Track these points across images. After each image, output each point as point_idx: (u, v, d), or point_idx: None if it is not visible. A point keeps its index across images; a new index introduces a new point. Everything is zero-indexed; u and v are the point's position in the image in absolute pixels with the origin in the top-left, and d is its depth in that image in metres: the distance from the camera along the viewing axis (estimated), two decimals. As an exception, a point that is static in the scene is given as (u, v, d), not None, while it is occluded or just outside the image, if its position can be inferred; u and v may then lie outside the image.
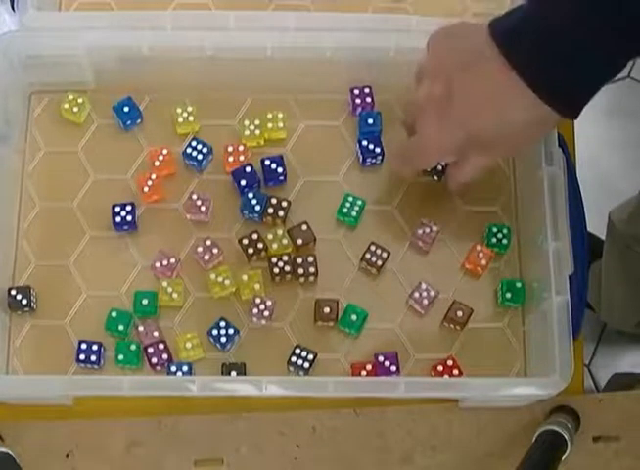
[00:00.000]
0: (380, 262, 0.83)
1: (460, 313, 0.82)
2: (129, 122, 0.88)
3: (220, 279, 0.82)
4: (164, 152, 0.86)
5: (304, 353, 0.80)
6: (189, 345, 0.81)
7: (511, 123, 0.71)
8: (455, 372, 0.80)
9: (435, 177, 0.86)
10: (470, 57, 0.71)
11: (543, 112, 0.70)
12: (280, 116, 0.87)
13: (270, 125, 0.87)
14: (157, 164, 0.86)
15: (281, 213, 0.84)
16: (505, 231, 0.85)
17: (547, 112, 0.70)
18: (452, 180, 0.81)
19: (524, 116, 0.70)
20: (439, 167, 0.85)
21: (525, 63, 0.69)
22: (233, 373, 0.79)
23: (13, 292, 0.82)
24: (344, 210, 0.85)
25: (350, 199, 0.85)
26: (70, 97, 0.88)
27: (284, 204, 0.84)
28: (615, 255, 1.29)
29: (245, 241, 0.83)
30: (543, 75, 0.68)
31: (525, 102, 0.69)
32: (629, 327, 1.40)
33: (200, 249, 0.83)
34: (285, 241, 0.83)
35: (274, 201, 0.84)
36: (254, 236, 0.83)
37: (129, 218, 0.84)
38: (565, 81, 0.68)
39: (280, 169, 0.86)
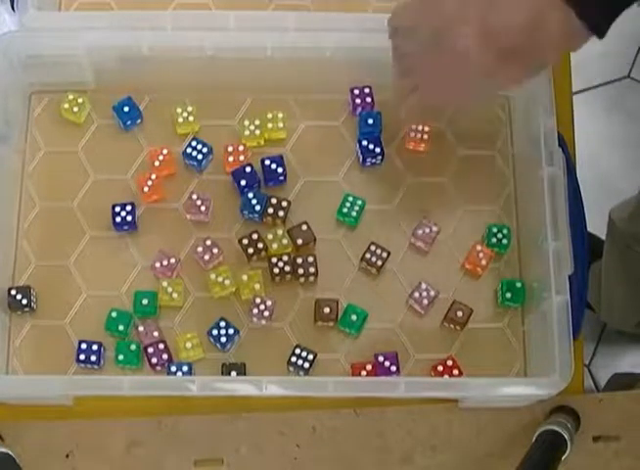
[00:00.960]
0: (380, 262, 0.83)
1: (460, 313, 0.82)
2: (129, 122, 0.88)
3: (220, 279, 0.82)
4: (164, 152, 0.86)
5: (304, 353, 0.80)
6: (189, 345, 0.81)
7: (543, 32, 0.69)
8: (455, 372, 0.80)
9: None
10: None
11: (573, 25, 0.68)
12: (280, 116, 0.87)
13: (270, 125, 0.87)
14: (157, 164, 0.86)
15: (281, 213, 0.84)
16: (505, 231, 0.85)
17: (577, 26, 0.69)
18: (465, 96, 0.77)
19: (556, 27, 0.69)
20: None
21: None
22: (233, 373, 0.79)
23: (13, 292, 0.82)
24: (344, 210, 0.85)
25: (350, 199, 0.85)
26: (70, 97, 0.88)
27: (284, 204, 0.84)
28: (615, 254, 1.29)
29: (245, 241, 0.83)
30: None
31: (559, 15, 0.68)
32: (629, 327, 1.40)
33: (200, 249, 0.83)
34: (285, 241, 0.83)
35: (274, 201, 0.84)
36: (254, 236, 0.83)
37: (129, 218, 0.84)
38: None
39: (280, 169, 0.86)
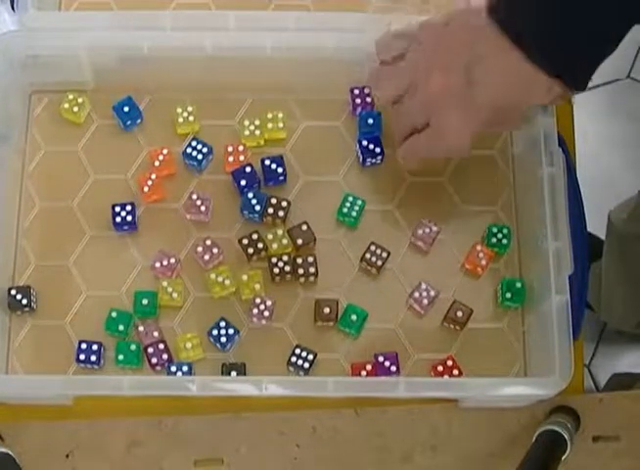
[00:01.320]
0: (380, 262, 0.83)
1: (460, 313, 0.82)
2: (129, 122, 0.88)
3: (220, 279, 0.82)
4: (164, 152, 0.86)
5: (304, 353, 0.80)
6: (189, 345, 0.81)
7: (528, 102, 0.74)
8: (455, 372, 0.80)
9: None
10: (477, 42, 0.72)
11: (553, 86, 0.71)
12: (280, 116, 0.87)
13: (270, 125, 0.87)
14: (157, 164, 0.86)
15: (281, 213, 0.84)
16: (505, 231, 0.85)
17: (559, 90, 0.72)
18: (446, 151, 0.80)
19: (540, 95, 0.73)
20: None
21: (526, 39, 0.70)
22: (233, 373, 0.79)
23: (13, 292, 0.82)
24: (344, 210, 0.85)
25: (350, 199, 0.85)
26: (70, 97, 0.88)
27: (284, 204, 0.84)
28: (615, 255, 1.29)
29: (245, 241, 0.83)
30: (541, 44, 0.70)
31: (537, 78, 0.71)
32: (629, 327, 1.40)
33: (200, 249, 0.83)
34: (285, 241, 0.83)
35: (274, 201, 0.84)
36: (254, 236, 0.83)
37: (129, 218, 0.84)
38: (565, 49, 0.70)
39: (280, 169, 0.86)
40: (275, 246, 0.83)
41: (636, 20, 0.69)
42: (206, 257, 0.83)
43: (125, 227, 0.85)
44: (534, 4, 0.70)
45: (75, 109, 0.88)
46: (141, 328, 0.81)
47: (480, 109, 0.74)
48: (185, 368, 0.79)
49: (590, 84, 0.73)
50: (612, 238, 1.29)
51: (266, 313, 0.81)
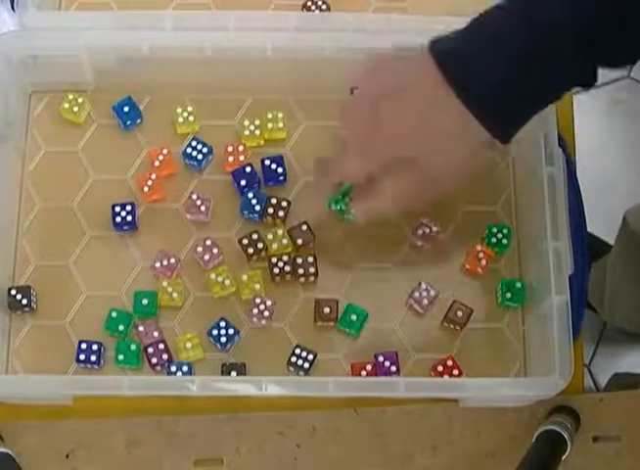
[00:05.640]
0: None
1: (460, 313, 0.82)
2: (129, 122, 0.88)
3: (220, 279, 0.82)
4: (164, 152, 0.86)
5: (304, 353, 0.80)
6: (189, 345, 0.81)
7: (438, 134, 0.70)
8: (455, 372, 0.80)
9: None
10: (406, 70, 0.72)
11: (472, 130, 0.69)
12: (280, 116, 0.87)
13: (270, 125, 0.87)
14: (157, 164, 0.86)
15: (281, 213, 0.84)
16: (505, 231, 0.85)
17: (473, 127, 0.69)
18: (370, 210, 0.77)
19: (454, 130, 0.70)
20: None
21: (460, 78, 0.68)
22: (233, 373, 0.79)
23: (13, 292, 0.82)
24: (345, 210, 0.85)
25: (351, 199, 0.85)
26: (70, 97, 0.88)
27: (284, 204, 0.84)
28: (625, 255, 1.28)
29: (245, 241, 0.83)
30: (474, 87, 0.68)
31: (457, 118, 0.69)
32: (634, 327, 1.40)
33: (200, 249, 0.83)
34: (285, 241, 0.83)
35: (274, 201, 0.84)
36: (254, 236, 0.83)
37: (129, 218, 0.84)
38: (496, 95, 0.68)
39: (280, 169, 0.86)
40: (275, 246, 0.83)
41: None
42: (206, 257, 0.83)
43: (125, 227, 0.85)
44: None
45: (75, 109, 0.88)
46: (141, 328, 0.81)
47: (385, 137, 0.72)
48: (185, 368, 0.79)
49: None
50: (624, 238, 1.27)
51: (266, 313, 0.81)
